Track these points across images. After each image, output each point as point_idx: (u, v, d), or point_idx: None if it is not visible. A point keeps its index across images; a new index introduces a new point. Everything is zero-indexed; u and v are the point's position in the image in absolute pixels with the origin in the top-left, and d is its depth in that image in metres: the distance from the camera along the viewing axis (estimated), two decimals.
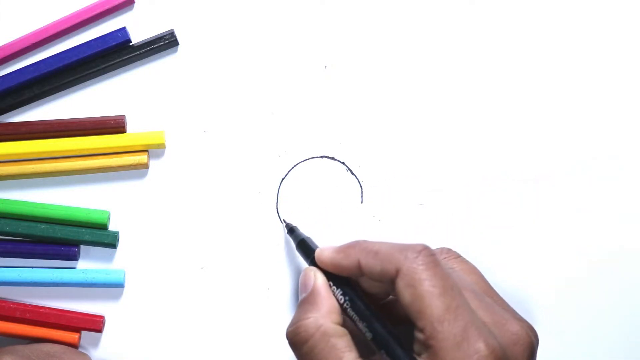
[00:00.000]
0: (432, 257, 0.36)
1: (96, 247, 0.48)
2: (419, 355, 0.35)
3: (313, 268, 0.42)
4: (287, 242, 0.49)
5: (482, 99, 0.50)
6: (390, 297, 0.40)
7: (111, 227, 0.49)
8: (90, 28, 0.49)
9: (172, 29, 0.48)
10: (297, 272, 0.49)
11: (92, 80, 0.48)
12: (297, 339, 0.38)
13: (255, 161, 0.49)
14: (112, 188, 0.49)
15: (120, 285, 0.48)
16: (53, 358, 0.45)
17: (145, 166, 0.48)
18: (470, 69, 0.50)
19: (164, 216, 0.49)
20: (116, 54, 0.48)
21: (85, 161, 0.48)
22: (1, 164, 0.48)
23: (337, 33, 0.49)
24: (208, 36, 0.49)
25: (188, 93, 0.49)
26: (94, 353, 0.49)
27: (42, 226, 0.48)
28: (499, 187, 0.49)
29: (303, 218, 0.49)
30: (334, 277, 0.41)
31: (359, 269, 0.39)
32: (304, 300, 0.40)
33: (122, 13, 0.49)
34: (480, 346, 0.34)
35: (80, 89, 0.49)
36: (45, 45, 0.48)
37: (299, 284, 0.42)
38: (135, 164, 0.48)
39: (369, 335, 0.38)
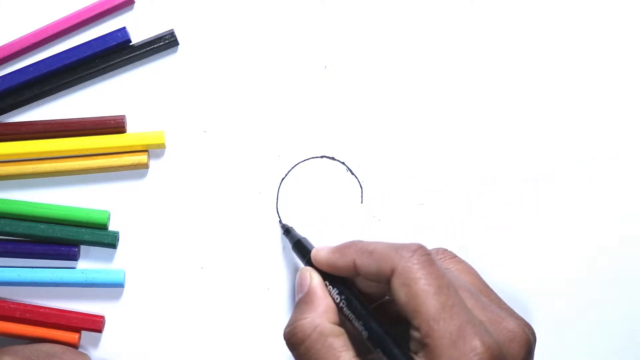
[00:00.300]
0: (427, 256, 0.36)
1: (96, 247, 0.48)
2: (416, 353, 0.35)
3: (309, 268, 0.42)
4: (286, 242, 0.49)
5: (482, 99, 0.50)
6: (386, 297, 0.40)
7: (111, 227, 0.49)
8: (90, 28, 0.49)
9: (172, 29, 0.48)
10: (297, 273, 0.49)
11: (92, 80, 0.48)
12: (294, 339, 0.39)
13: (255, 161, 0.49)
14: (112, 188, 0.49)
15: (120, 285, 0.48)
16: (53, 358, 0.46)
17: (145, 166, 0.48)
18: (470, 69, 0.50)
19: (164, 216, 0.49)
20: (116, 54, 0.48)
21: (85, 161, 0.48)
22: (1, 164, 0.48)
23: (337, 33, 0.49)
24: (208, 36, 0.49)
25: (188, 93, 0.49)
26: (94, 353, 0.49)
27: (42, 226, 0.48)
28: (499, 187, 0.49)
29: (303, 218, 0.49)
30: (330, 277, 0.41)
31: (355, 269, 0.39)
32: (300, 301, 0.41)
33: (122, 13, 0.49)
34: (476, 344, 0.34)
35: (80, 89, 0.49)
36: (45, 45, 0.48)
37: (296, 285, 0.42)
38: (135, 164, 0.48)
39: (365, 334, 0.38)
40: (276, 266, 0.49)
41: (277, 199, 0.49)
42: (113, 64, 0.48)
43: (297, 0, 0.49)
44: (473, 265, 0.42)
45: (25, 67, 0.47)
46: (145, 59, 0.49)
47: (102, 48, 0.48)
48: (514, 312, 0.39)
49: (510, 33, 0.50)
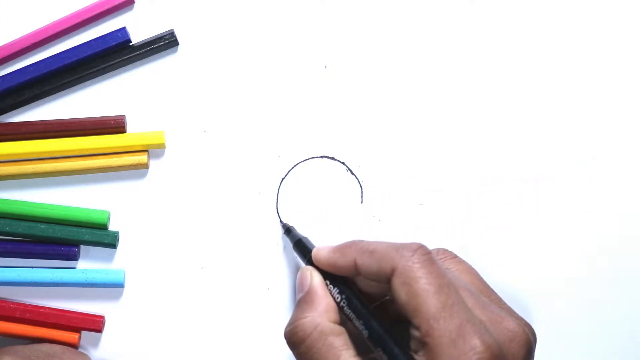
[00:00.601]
0: (427, 255, 0.36)
1: (96, 247, 0.48)
2: (416, 352, 0.35)
3: (309, 267, 0.42)
4: (286, 242, 0.49)
5: (482, 99, 0.50)
6: (387, 297, 0.40)
7: (111, 227, 0.49)
8: (90, 28, 0.49)
9: (172, 29, 0.48)
10: (297, 272, 0.49)
11: (92, 80, 0.48)
12: (294, 339, 0.39)
13: (255, 161, 0.49)
14: (112, 188, 0.49)
15: (120, 285, 0.48)
16: (53, 358, 0.46)
17: (145, 166, 0.48)
18: (470, 69, 0.50)
19: (164, 216, 0.49)
20: (116, 54, 0.48)
21: (85, 161, 0.48)
22: (1, 164, 0.48)
23: (337, 33, 0.49)
24: (208, 36, 0.49)
25: (188, 93, 0.49)
26: (94, 353, 0.49)
27: (42, 226, 0.48)
28: (499, 187, 0.49)
29: (303, 218, 0.49)
30: (331, 276, 0.41)
31: (355, 268, 0.39)
32: (301, 300, 0.41)
33: (122, 13, 0.49)
34: (476, 343, 0.34)
35: (80, 89, 0.49)
36: (45, 45, 0.48)
37: (296, 284, 0.42)
38: (135, 164, 0.48)
39: (365, 333, 0.38)
40: (276, 266, 0.49)
41: (277, 199, 0.49)
42: (113, 64, 0.48)
43: (297, 0, 0.49)
44: (473, 265, 0.42)
45: (25, 67, 0.48)
46: (145, 59, 0.49)
47: (102, 48, 0.48)
48: (514, 312, 0.39)
49: (510, 33, 0.50)
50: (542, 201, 0.49)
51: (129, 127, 0.49)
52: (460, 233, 0.49)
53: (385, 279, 0.37)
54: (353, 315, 0.39)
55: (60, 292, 0.49)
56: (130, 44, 0.48)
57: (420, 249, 0.37)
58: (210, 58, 0.49)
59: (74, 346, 0.48)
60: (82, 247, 0.49)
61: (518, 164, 0.50)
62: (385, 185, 0.49)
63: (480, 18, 0.50)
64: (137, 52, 0.48)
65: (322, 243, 0.46)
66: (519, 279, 0.49)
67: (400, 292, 0.36)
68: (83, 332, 0.48)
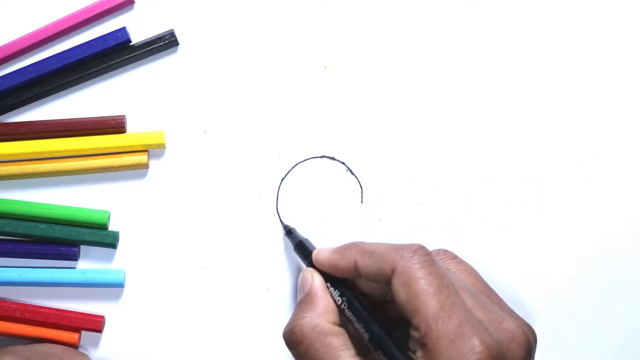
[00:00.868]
0: (427, 256, 0.36)
1: (96, 247, 0.48)
2: (415, 353, 0.35)
3: (310, 269, 0.42)
4: (286, 242, 0.49)
5: (482, 98, 0.50)
6: (387, 298, 0.40)
7: (111, 227, 0.49)
8: (90, 28, 0.49)
9: (172, 29, 0.48)
10: (297, 272, 0.49)
11: (92, 80, 0.48)
12: (293, 339, 0.39)
13: (255, 161, 0.49)
14: (112, 188, 0.49)
15: (120, 285, 0.48)
16: (53, 358, 0.46)
17: (145, 166, 0.48)
18: (470, 69, 0.50)
19: (164, 216, 0.49)
20: (116, 54, 0.48)
21: (85, 161, 0.48)
22: (1, 164, 0.48)
23: (337, 33, 0.49)
24: (208, 36, 0.49)
25: (188, 93, 0.49)
26: (94, 353, 0.49)
27: (42, 226, 0.48)
28: (499, 187, 0.49)
29: (303, 218, 0.49)
30: (332, 278, 0.41)
31: (356, 270, 0.39)
32: (300, 301, 0.41)
33: (122, 13, 0.49)
34: (475, 343, 0.34)
35: (80, 89, 0.49)
36: (45, 45, 0.48)
37: (297, 286, 0.42)
38: (135, 164, 0.48)
39: (366, 336, 0.38)
40: (276, 266, 0.49)
41: (277, 199, 0.49)
42: (113, 64, 0.48)
43: (297, 0, 0.49)
44: (473, 265, 0.42)
45: (25, 67, 0.47)
46: (145, 59, 0.49)
47: (102, 48, 0.48)
48: (515, 313, 0.39)
49: (510, 33, 0.50)
50: (542, 201, 0.49)
51: (129, 127, 0.49)
52: (460, 233, 0.49)
53: (386, 279, 0.37)
54: (354, 318, 0.39)
55: (60, 292, 0.49)
56: (130, 44, 0.48)
57: (421, 249, 0.37)
58: (210, 58, 0.49)
59: (74, 346, 0.48)
60: (82, 247, 0.49)
61: (518, 164, 0.50)
62: (385, 185, 0.49)
63: (480, 18, 0.50)
64: (137, 52, 0.48)
65: (323, 243, 0.46)
66: (519, 278, 0.49)
67: (400, 292, 0.36)
68: (83, 332, 0.48)
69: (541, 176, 0.50)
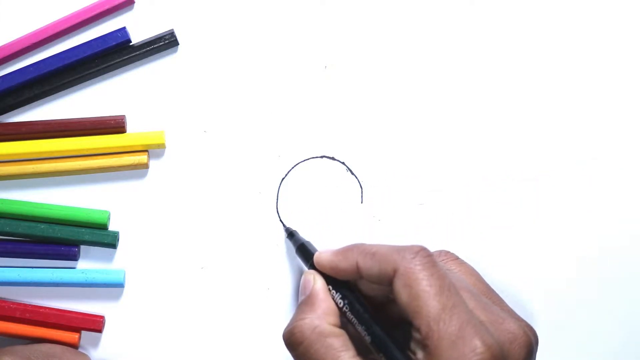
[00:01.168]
0: (429, 257, 0.36)
1: (96, 247, 0.48)
2: (416, 354, 0.35)
3: (312, 271, 0.42)
4: (286, 243, 0.49)
5: (482, 98, 0.50)
6: (389, 299, 0.40)
7: (111, 227, 0.49)
8: (90, 28, 0.49)
9: (172, 29, 0.48)
10: (297, 273, 0.49)
11: (92, 80, 0.48)
12: (292, 340, 0.39)
13: (255, 161, 0.49)
14: (112, 188, 0.49)
15: (120, 285, 0.48)
16: (53, 358, 0.46)
17: (145, 166, 0.48)
18: (470, 69, 0.50)
19: (164, 216, 0.49)
20: (116, 54, 0.48)
21: (85, 161, 0.48)
22: (1, 164, 0.48)
23: (337, 33, 0.49)
24: (208, 36, 0.49)
25: (188, 93, 0.49)
26: (94, 353, 0.49)
27: (42, 226, 0.48)
28: (499, 187, 0.49)
29: (303, 218, 0.49)
30: (334, 281, 0.41)
31: (358, 271, 0.39)
32: (301, 303, 0.41)
33: (122, 13, 0.49)
34: (477, 343, 0.34)
35: (80, 89, 0.49)
36: (45, 45, 0.48)
37: (299, 288, 0.42)
38: (135, 164, 0.48)
39: (368, 338, 0.38)
40: (276, 266, 0.49)
41: (277, 199, 0.49)
42: (113, 64, 0.48)
43: (297, 0, 0.49)
44: (473, 266, 0.42)
45: (25, 67, 0.47)
46: (145, 59, 0.49)
47: (102, 48, 0.48)
48: (516, 314, 0.39)
49: (510, 33, 0.50)
50: (542, 201, 0.49)
51: (129, 127, 0.49)
52: (460, 233, 0.49)
53: (387, 281, 0.37)
54: (355, 320, 0.39)
55: (60, 292, 0.49)
56: (130, 44, 0.48)
57: (422, 251, 0.37)
58: (210, 58, 0.49)
59: (74, 346, 0.48)
60: (82, 247, 0.49)
61: (518, 164, 0.50)
62: (385, 185, 0.49)
63: (480, 18, 0.50)
64: (137, 52, 0.48)
65: (323, 243, 0.46)
66: (519, 278, 0.49)
67: (402, 293, 0.36)
68: (83, 332, 0.48)
69: (541, 176, 0.50)
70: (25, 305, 0.48)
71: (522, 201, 0.49)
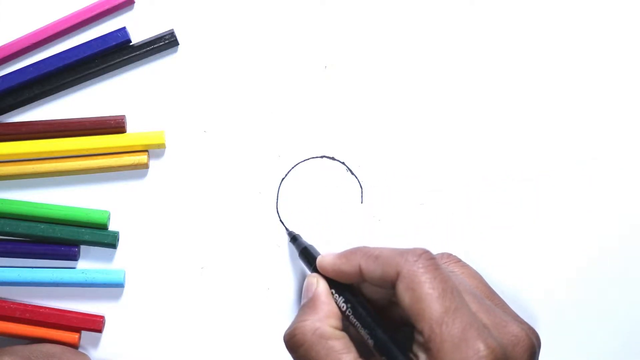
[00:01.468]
0: (432, 260, 0.36)
1: (96, 247, 0.48)
2: (419, 357, 0.35)
3: (315, 275, 0.42)
4: (286, 243, 0.49)
5: (482, 99, 0.50)
6: (392, 301, 0.40)
7: (111, 227, 0.49)
8: (90, 28, 0.49)
9: (172, 29, 0.48)
10: (297, 273, 0.49)
11: (92, 80, 0.48)
12: (293, 341, 0.39)
13: (255, 161, 0.49)
14: (112, 188, 0.49)
15: (120, 285, 0.48)
16: (53, 358, 0.46)
17: (145, 166, 0.48)
18: (470, 69, 0.50)
19: (164, 216, 0.49)
20: (116, 54, 0.48)
21: (85, 161, 0.48)
22: (1, 164, 0.48)
23: (337, 33, 0.49)
24: (208, 36, 0.49)
25: (188, 93, 0.49)
26: (94, 353, 0.49)
27: (42, 226, 0.48)
28: (499, 187, 0.49)
29: (303, 218, 0.49)
30: (337, 284, 0.41)
31: (360, 274, 0.39)
32: (303, 305, 0.41)
33: (122, 13, 0.49)
34: (480, 346, 0.34)
35: (80, 89, 0.48)
36: (45, 45, 0.48)
37: (302, 291, 0.42)
38: (135, 164, 0.48)
39: (371, 342, 0.38)
40: (276, 266, 0.49)
41: (277, 199, 0.49)
42: (113, 64, 0.48)
43: (297, 0, 0.49)
44: (473, 266, 0.42)
45: (25, 67, 0.47)
46: (145, 59, 0.49)
47: (102, 48, 0.48)
48: (519, 317, 0.39)
49: (510, 33, 0.50)
50: (542, 201, 0.49)
51: (129, 127, 0.49)
52: (461, 233, 0.49)
53: (390, 284, 0.37)
54: (358, 324, 0.39)
55: (60, 292, 0.49)
56: (130, 44, 0.48)
57: (425, 254, 0.37)
58: (210, 58, 0.49)
59: (74, 346, 0.48)
60: (82, 247, 0.49)
61: (518, 164, 0.50)
62: (385, 185, 0.49)
63: (480, 18, 0.50)
64: (137, 52, 0.48)
65: (323, 243, 0.46)
66: (519, 278, 0.49)
67: (405, 296, 0.36)
68: (83, 332, 0.48)
69: (541, 176, 0.50)
70: (25, 305, 0.48)
71: (522, 201, 0.49)
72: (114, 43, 0.48)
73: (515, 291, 0.49)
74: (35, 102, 0.48)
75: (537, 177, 0.50)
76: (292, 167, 0.49)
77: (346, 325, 0.40)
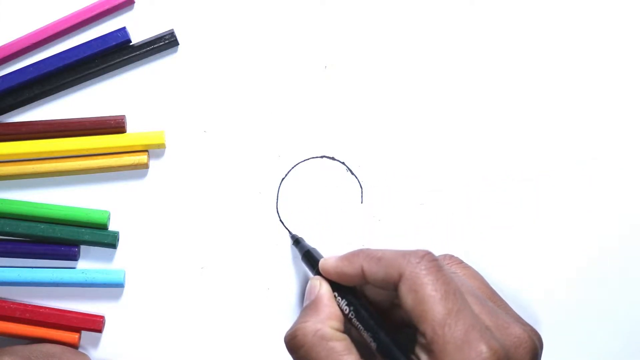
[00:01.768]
0: (434, 262, 0.36)
1: (96, 247, 0.48)
2: (421, 359, 0.35)
3: (318, 277, 0.42)
4: (286, 243, 0.49)
5: (482, 99, 0.50)
6: (395, 303, 0.40)
7: (111, 227, 0.49)
8: (90, 28, 0.49)
9: (172, 29, 0.48)
10: (297, 273, 0.49)
11: (92, 80, 0.48)
12: (293, 342, 0.39)
13: (255, 161, 0.49)
14: (112, 188, 0.49)
15: (120, 285, 0.48)
16: (52, 358, 0.46)
17: (145, 166, 0.48)
18: (470, 69, 0.50)
19: (164, 216, 0.49)
20: (116, 54, 0.48)
21: (85, 161, 0.48)
22: (1, 164, 0.48)
23: (337, 33, 0.49)
24: (208, 36, 0.49)
25: (188, 93, 0.49)
26: (94, 353, 0.49)
27: (42, 226, 0.48)
28: (499, 187, 0.49)
29: (303, 218, 0.49)
30: (340, 287, 0.41)
31: (363, 276, 0.39)
32: (305, 307, 0.41)
33: (122, 13, 0.49)
34: (482, 348, 0.34)
35: (80, 89, 0.48)
36: (45, 45, 0.48)
37: (305, 294, 0.42)
38: (135, 164, 0.48)
39: (373, 345, 0.38)
40: (276, 266, 0.49)
41: (277, 199, 0.49)
42: (113, 64, 0.48)
43: (297, 0, 0.49)
44: (473, 266, 0.42)
45: (25, 67, 0.47)
46: (145, 59, 0.49)
47: (102, 48, 0.48)
48: (521, 318, 0.39)
49: (510, 33, 0.50)
50: (542, 201, 0.49)
51: (129, 127, 0.49)
52: (461, 233, 0.49)
53: (393, 285, 0.37)
54: (361, 327, 0.39)
55: (60, 292, 0.49)
56: (130, 44, 0.48)
57: (427, 255, 0.37)
58: (210, 58, 0.49)
59: (74, 346, 0.48)
60: (82, 247, 0.49)
61: (518, 164, 0.50)
62: (385, 185, 0.49)
63: (480, 18, 0.50)
64: (137, 52, 0.48)
65: (323, 244, 0.46)
66: (519, 279, 0.49)
67: (407, 298, 0.36)
68: (83, 332, 0.48)
69: (541, 176, 0.50)
70: (25, 305, 0.48)
71: (522, 201, 0.49)
72: (114, 43, 0.48)
73: (515, 291, 0.49)
74: (35, 102, 0.48)
75: (537, 177, 0.50)
76: (292, 167, 0.49)
77: (348, 328, 0.40)
